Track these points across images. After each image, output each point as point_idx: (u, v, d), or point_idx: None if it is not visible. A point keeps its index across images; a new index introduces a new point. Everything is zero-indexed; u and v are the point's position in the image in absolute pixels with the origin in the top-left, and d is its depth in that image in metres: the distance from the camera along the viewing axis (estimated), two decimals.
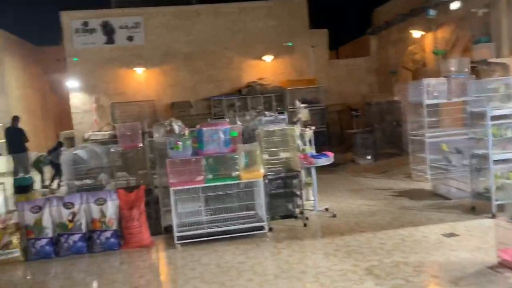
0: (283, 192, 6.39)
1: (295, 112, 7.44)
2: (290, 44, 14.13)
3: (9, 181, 9.17)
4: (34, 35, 18.94)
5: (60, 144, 11.51)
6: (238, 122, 6.70)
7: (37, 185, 10.52)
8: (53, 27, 15.54)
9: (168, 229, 6.15)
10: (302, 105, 6.70)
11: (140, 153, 6.35)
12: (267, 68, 14.09)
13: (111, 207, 5.49)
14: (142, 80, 13.87)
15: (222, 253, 4.99)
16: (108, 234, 5.46)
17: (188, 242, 5.35)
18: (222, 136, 5.43)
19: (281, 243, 5.20)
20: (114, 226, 5.50)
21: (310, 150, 6.54)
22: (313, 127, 6.55)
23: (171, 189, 5.30)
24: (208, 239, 5.35)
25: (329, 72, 14.52)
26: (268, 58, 14.01)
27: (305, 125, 6.73)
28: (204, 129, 5.43)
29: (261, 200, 5.50)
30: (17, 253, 5.31)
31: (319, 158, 6.17)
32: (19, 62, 16.65)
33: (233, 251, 5.04)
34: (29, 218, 5.35)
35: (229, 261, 4.73)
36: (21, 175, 9.60)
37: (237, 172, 5.43)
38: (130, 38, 13.73)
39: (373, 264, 4.25)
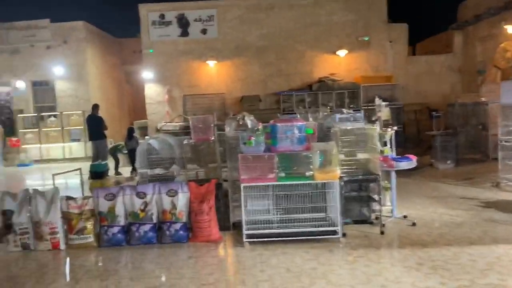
0: (358, 196, 6.00)
1: (374, 110, 6.97)
2: (367, 38, 13.54)
3: (86, 167, 9.61)
4: (114, 27, 19.83)
5: (132, 130, 11.85)
6: (310, 119, 6.40)
7: (110, 172, 10.95)
8: (132, 20, 16.07)
9: (236, 225, 6.04)
10: (383, 103, 6.22)
11: (211, 146, 6.25)
12: (340, 63, 13.60)
13: (181, 199, 5.43)
14: (213, 73, 13.96)
15: (291, 256, 4.74)
16: (177, 226, 5.41)
17: (257, 241, 5.17)
18: (296, 133, 5.16)
19: (356, 250, 4.84)
20: (184, 219, 5.44)
21: (390, 152, 6.07)
22: (395, 127, 6.06)
23: (242, 185, 5.14)
24: (276, 240, 5.14)
25: (407, 69, 13.70)
26: (342, 52, 13.51)
27: (385, 124, 6.26)
28: (279, 125, 5.19)
29: (335, 203, 5.17)
30: (90, 238, 5.43)
31: (400, 161, 5.70)
32: (99, 52, 17.49)
33: (303, 255, 4.77)
34: (103, 205, 5.44)
35: (300, 265, 4.47)
36: (99, 161, 10.01)
37: (311, 172, 5.14)
38: (204, 31, 13.87)
39: (464, 284, 3.79)
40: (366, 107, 11.67)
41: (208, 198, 5.45)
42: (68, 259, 5.06)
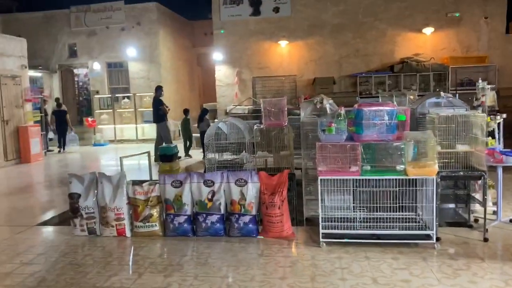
0: (454, 194, 5.15)
1: (467, 94, 5.98)
2: (457, 14, 12.09)
3: (152, 149, 9.52)
4: (185, 9, 19.74)
5: (205, 111, 11.58)
6: (395, 103, 5.58)
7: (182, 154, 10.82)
8: (203, 1, 15.81)
9: (309, 220, 5.48)
10: (488, 85, 5.25)
11: (283, 132, 5.67)
12: (425, 42, 12.32)
13: (251, 190, 4.95)
14: (284, 54, 13.31)
15: (377, 263, 4.08)
16: (246, 219, 4.94)
17: (335, 241, 4.56)
18: (386, 119, 4.42)
19: (455, 260, 4.07)
20: (254, 211, 4.96)
21: (495, 144, 5.12)
22: (503, 115, 5.08)
23: (319, 178, 4.52)
24: (357, 241, 4.50)
25: (505, 49, 12.10)
26: (428, 30, 12.22)
27: (490, 111, 5.30)
28: (365, 109, 4.47)
29: (431, 202, 4.39)
30: (156, 227, 5.14)
31: (511, 155, 4.75)
32: (171, 34, 17.51)
33: (391, 262, 4.09)
34: (170, 192, 5.11)
35: (388, 275, 3.80)
36: (164, 144, 9.85)
37: (403, 166, 4.39)
38: (276, 9, 13.21)
39: None
40: (455, 91, 10.43)
41: (280, 190, 4.90)
42: (132, 248, 4.79)
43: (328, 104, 5.24)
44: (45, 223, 6.06)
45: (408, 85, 11.78)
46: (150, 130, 15.90)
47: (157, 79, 15.87)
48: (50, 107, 16.46)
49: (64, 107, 14.65)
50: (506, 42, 12.25)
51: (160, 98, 11.25)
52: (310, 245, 4.67)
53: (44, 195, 8.01)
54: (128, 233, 5.17)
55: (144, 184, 5.24)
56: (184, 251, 4.65)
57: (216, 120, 13.55)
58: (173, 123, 16.54)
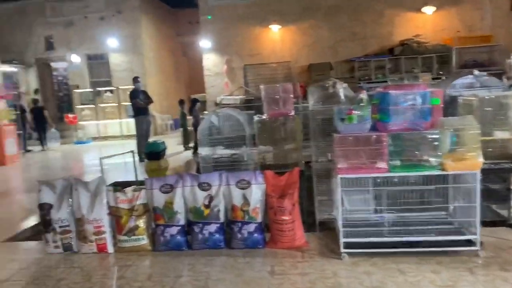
0: (490, 190, 4.44)
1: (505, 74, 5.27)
2: None
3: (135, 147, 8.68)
4: None
5: (195, 101, 10.69)
6: None
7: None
8: None
9: (322, 224, 4.75)
10: None
11: (289, 123, 4.89)
12: (426, 23, 11.60)
13: (256, 193, 4.17)
14: (277, 39, 12.49)
15: (415, 279, 3.35)
16: (251, 227, 4.17)
17: (358, 251, 3.82)
18: (418, 104, 3.66)
19: (508, 272, 3.35)
20: (259, 218, 4.19)
21: None
22: None
23: (339, 177, 3.76)
24: (384, 251, 3.76)
25: (511, 28, 11.43)
26: (428, 10, 11.49)
27: None
28: (392, 92, 3.70)
29: (473, 202, 3.66)
30: (143, 240, 4.33)
31: None
32: (154, 23, 16.53)
33: (433, 278, 3.36)
34: (159, 198, 4.30)
35: None
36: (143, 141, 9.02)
37: (439, 159, 3.65)
38: None
39: None
40: (459, 72, 9.76)
41: (291, 192, 4.13)
42: (116, 269, 3.98)
43: (342, 88, 4.46)
44: (14, 238, 5.21)
45: (409, 68, 11.07)
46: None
47: (140, 71, 14.91)
48: (27, 103, 15.47)
49: (40, 104, 13.75)
50: (511, 20, 11.57)
51: (139, 90, 10.21)
52: (328, 256, 3.92)
53: (17, 202, 7.13)
54: (110, 249, 4.36)
55: (127, 190, 4.41)
56: (178, 270, 3.86)
57: (206, 112, 12.73)
58: (160, 117, 15.66)
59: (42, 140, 13.89)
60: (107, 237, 4.34)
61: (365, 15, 11.90)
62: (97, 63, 15.98)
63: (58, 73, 17.35)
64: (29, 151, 13.31)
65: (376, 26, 11.84)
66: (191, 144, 10.73)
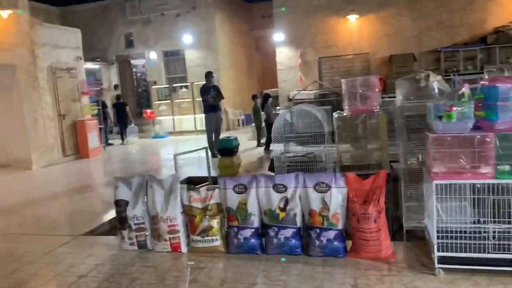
0: None
1: None
2: None
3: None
4: None
5: (267, 96, 10.42)
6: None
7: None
8: None
9: (409, 232, 4.30)
10: None
11: (373, 120, 4.46)
12: None
13: (336, 197, 3.82)
14: (354, 30, 11.88)
15: None
16: (331, 234, 3.83)
17: (455, 267, 3.34)
18: None
19: None
20: (340, 225, 3.84)
21: None
22: None
23: (434, 183, 3.29)
24: (487, 269, 3.25)
25: None
26: None
27: None
28: (501, 86, 3.16)
29: None
30: (217, 241, 4.17)
31: None
32: (228, 18, 16.56)
33: None
34: (232, 199, 4.10)
35: None
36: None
37: None
38: None
39: None
40: None
41: (376, 198, 3.72)
42: (189, 271, 3.85)
43: (435, 81, 3.95)
44: (93, 231, 5.33)
45: (504, 58, 9.96)
46: None
47: (214, 66, 15.01)
48: (109, 99, 16.26)
49: (122, 100, 14.46)
50: None
51: (210, 85, 10.10)
52: (419, 271, 3.47)
53: (97, 196, 7.39)
54: (184, 249, 4.26)
55: (201, 189, 4.27)
56: (253, 276, 3.63)
57: (278, 107, 12.48)
58: (232, 112, 15.70)
59: (122, 135, 14.53)
60: (181, 236, 4.24)
61: (453, 1, 10.89)
62: (173, 59, 16.38)
63: (137, 69, 18.07)
64: (110, 144, 13.95)
65: (466, 13, 10.78)
66: (263, 140, 10.53)
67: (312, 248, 3.90)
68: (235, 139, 8.15)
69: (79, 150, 11.54)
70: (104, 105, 14.02)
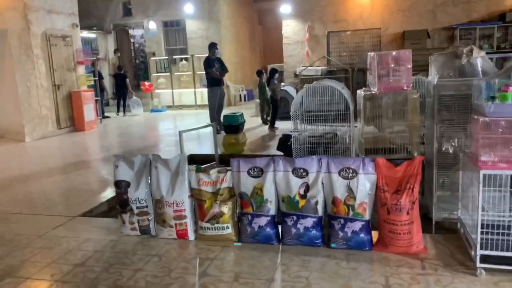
0: None
1: None
2: None
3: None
4: None
5: (274, 71, 9.88)
6: None
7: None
8: None
9: (437, 223, 3.95)
10: None
11: (404, 99, 4.03)
12: None
13: (363, 185, 3.42)
14: (365, 3, 11.29)
15: None
16: (357, 225, 3.45)
17: (501, 268, 2.98)
18: None
19: None
20: (367, 215, 3.45)
21: None
22: None
23: (481, 172, 2.90)
24: None
25: None
26: None
27: None
28: None
29: None
30: (228, 229, 3.78)
31: None
32: None
33: None
34: (246, 183, 3.70)
35: None
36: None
37: None
38: None
39: None
40: None
41: (410, 187, 3.33)
42: (197, 262, 3.47)
43: (479, 57, 3.51)
44: (91, 212, 4.94)
45: None
46: None
47: (216, 38, 14.36)
48: (105, 70, 15.66)
49: (124, 71, 13.95)
50: None
51: (214, 58, 9.58)
52: (456, 270, 3.11)
53: (94, 172, 6.97)
54: (191, 236, 3.88)
55: (212, 172, 3.85)
56: (270, 270, 3.26)
57: (283, 84, 11.97)
58: (233, 87, 15.17)
59: (119, 107, 14.03)
60: (188, 222, 3.85)
61: None
62: (173, 30, 15.70)
63: (135, 40, 17.38)
64: (107, 117, 13.46)
65: None
66: (268, 118, 10.08)
67: (335, 239, 3.53)
68: (241, 115, 7.70)
69: (75, 123, 11.05)
70: (100, 76, 13.44)
